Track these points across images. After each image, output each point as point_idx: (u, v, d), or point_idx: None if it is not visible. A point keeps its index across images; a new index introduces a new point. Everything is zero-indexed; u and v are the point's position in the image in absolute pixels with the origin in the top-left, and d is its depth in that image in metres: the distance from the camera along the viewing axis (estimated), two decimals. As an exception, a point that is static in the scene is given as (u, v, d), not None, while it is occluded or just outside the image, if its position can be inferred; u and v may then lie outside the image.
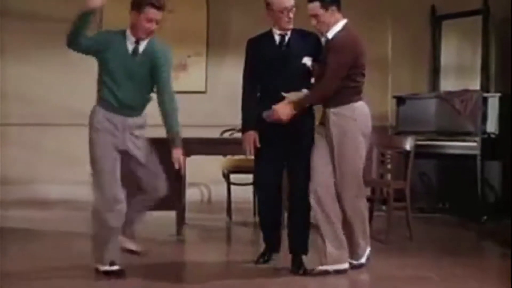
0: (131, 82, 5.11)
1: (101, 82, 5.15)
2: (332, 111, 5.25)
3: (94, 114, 5.12)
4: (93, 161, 5.13)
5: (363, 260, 5.49)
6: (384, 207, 7.25)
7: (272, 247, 5.67)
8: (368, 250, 5.54)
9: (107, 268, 5.15)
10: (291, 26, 5.39)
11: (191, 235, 7.27)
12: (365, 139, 5.33)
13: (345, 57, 5.14)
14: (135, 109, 5.17)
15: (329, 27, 5.25)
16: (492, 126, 8.39)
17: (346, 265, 5.31)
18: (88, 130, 5.15)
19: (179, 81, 9.13)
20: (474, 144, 8.29)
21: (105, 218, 5.04)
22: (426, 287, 5.19)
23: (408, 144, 6.96)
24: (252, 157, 5.62)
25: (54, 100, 9.55)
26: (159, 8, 5.04)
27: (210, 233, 7.46)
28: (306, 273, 5.33)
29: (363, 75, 5.23)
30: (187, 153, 7.22)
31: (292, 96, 5.21)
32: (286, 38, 5.40)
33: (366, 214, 5.49)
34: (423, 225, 7.82)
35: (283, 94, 5.19)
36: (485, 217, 8.14)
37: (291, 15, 5.33)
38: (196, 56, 9.64)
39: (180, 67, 9.61)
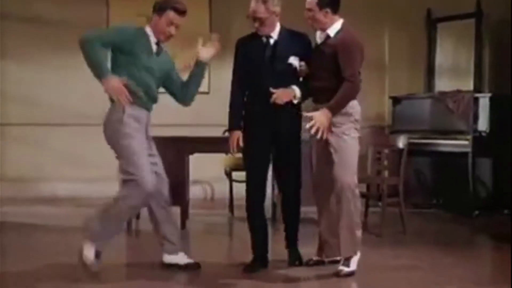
0: (152, 79, 5.15)
1: (124, 74, 5.05)
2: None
3: (117, 115, 5.03)
4: (130, 163, 5.02)
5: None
6: (380, 203, 7.38)
7: (261, 255, 5.52)
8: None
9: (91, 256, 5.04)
10: (264, 33, 5.33)
11: (194, 229, 7.43)
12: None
13: (358, 53, 5.21)
14: (153, 103, 5.23)
15: (324, 25, 5.27)
16: (483, 125, 8.53)
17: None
18: (111, 133, 5.05)
19: (183, 83, 9.51)
20: (466, 142, 8.44)
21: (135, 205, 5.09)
22: (415, 275, 5.39)
23: (401, 142, 7.14)
24: (238, 155, 5.63)
25: (56, 101, 9.74)
26: (182, 13, 5.11)
27: (212, 227, 7.67)
28: (302, 264, 5.51)
29: (359, 73, 5.26)
30: (191, 151, 7.41)
31: (280, 92, 5.23)
32: (271, 40, 5.36)
33: (358, 210, 5.32)
34: (418, 220, 8.01)
35: (271, 90, 5.22)
36: (476, 212, 8.31)
37: (256, 24, 5.30)
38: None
39: (184, 69, 9.83)
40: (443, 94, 8.94)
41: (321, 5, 5.21)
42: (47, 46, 9.78)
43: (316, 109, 5.28)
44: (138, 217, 7.25)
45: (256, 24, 5.32)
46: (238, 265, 5.54)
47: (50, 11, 9.82)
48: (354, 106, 5.25)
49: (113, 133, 5.06)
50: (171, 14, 5.08)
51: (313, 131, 5.14)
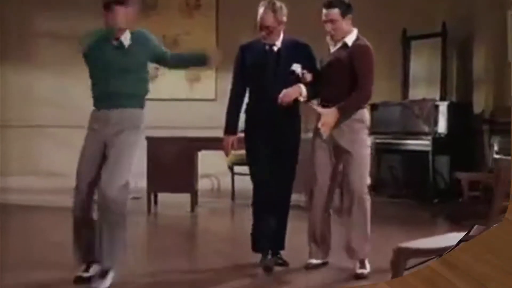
0: (118, 74, 4.92)
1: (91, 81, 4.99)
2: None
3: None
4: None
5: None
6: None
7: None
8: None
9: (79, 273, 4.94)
10: (270, 41, 5.31)
11: (201, 212, 8.58)
12: None
13: (373, 64, 5.42)
14: (121, 99, 4.96)
15: (344, 33, 5.28)
16: (442, 127, 9.41)
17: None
18: None
19: (193, 91, 10.65)
20: (428, 142, 9.37)
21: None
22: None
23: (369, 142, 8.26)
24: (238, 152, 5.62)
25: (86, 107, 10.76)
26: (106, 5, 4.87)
27: (216, 211, 8.79)
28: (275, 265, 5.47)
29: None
30: (198, 148, 8.35)
31: (287, 90, 5.22)
32: (275, 47, 5.32)
33: (368, 215, 5.44)
34: (389, 207, 8.90)
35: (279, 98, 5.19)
36: (436, 200, 9.24)
37: (263, 33, 5.26)
38: (207, 70, 10.26)
39: (194, 79, 10.80)
40: (412, 102, 9.87)
41: (344, 13, 5.25)
42: (74, 58, 10.67)
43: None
44: (156, 202, 8.49)
45: (264, 33, 5.27)
46: (237, 237, 6.41)
47: (82, 29, 10.70)
48: (363, 114, 5.43)
49: None
50: (104, 12, 4.96)
51: (322, 131, 5.20)
